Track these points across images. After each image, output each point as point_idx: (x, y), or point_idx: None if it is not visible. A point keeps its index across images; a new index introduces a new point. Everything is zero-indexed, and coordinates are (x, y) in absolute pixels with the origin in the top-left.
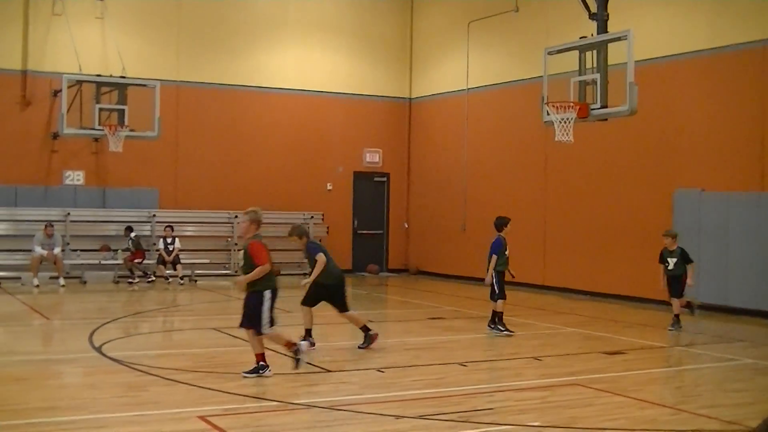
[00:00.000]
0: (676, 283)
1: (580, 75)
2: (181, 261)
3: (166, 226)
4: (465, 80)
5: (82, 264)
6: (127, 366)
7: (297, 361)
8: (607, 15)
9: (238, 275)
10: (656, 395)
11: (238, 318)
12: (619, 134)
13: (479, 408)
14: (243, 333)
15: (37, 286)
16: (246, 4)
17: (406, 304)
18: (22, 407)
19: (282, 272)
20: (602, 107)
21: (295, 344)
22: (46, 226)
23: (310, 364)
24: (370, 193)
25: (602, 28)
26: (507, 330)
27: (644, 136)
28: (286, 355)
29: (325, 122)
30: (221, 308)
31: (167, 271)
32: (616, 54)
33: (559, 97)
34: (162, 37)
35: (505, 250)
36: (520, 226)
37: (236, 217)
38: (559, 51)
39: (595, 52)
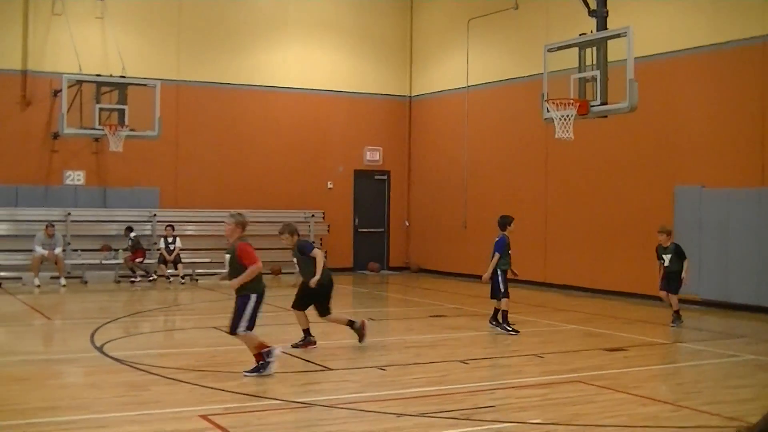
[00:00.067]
0: (672, 279)
1: (580, 72)
2: (182, 260)
3: (167, 226)
4: (465, 78)
5: (83, 264)
6: (128, 365)
7: (268, 363)
8: (607, 12)
9: (223, 277)
10: (657, 392)
11: None
12: (619, 131)
13: (481, 405)
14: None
15: (38, 286)
16: (246, 3)
17: (407, 302)
18: (24, 407)
19: (282, 271)
20: (602, 104)
21: (267, 347)
22: (47, 226)
23: (310, 362)
24: (371, 191)
25: (602, 25)
26: (512, 329)
27: (644, 133)
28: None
29: (325, 121)
30: (222, 307)
31: (168, 271)
32: (616, 51)
33: (559, 94)
34: (162, 37)
35: (509, 249)
36: (521, 224)
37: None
38: (559, 48)
39: (594, 49)
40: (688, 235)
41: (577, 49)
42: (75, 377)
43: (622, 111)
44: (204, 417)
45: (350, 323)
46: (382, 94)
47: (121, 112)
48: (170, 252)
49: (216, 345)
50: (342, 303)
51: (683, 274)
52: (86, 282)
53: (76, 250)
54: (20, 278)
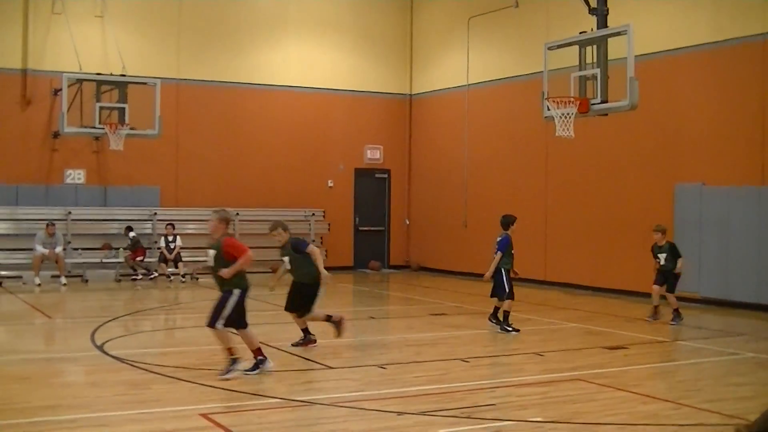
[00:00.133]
0: (669, 278)
1: (580, 70)
2: (183, 259)
3: (168, 224)
4: (465, 76)
5: (83, 263)
6: (129, 364)
7: (229, 371)
8: (607, 10)
9: (202, 269)
10: (658, 390)
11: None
12: (619, 129)
13: (481, 404)
14: (236, 335)
15: (39, 284)
16: (246, 1)
17: (407, 301)
18: (25, 406)
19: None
20: (602, 102)
21: (235, 356)
22: (47, 225)
23: (311, 361)
24: (371, 189)
25: (602, 23)
26: (513, 328)
27: (645, 131)
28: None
29: (325, 119)
30: None
31: (169, 269)
32: (616, 49)
33: (560, 92)
34: (162, 35)
35: (512, 248)
36: (521, 222)
37: (237, 214)
38: (559, 46)
39: (595, 47)
40: (689, 233)
41: (577, 47)
42: (76, 376)
43: (623, 109)
44: (204, 415)
45: (328, 318)
46: (382, 93)
47: (122, 111)
48: (171, 251)
49: (217, 343)
50: (343, 302)
51: (676, 270)
52: (87, 281)
53: (76, 249)
54: (21, 277)
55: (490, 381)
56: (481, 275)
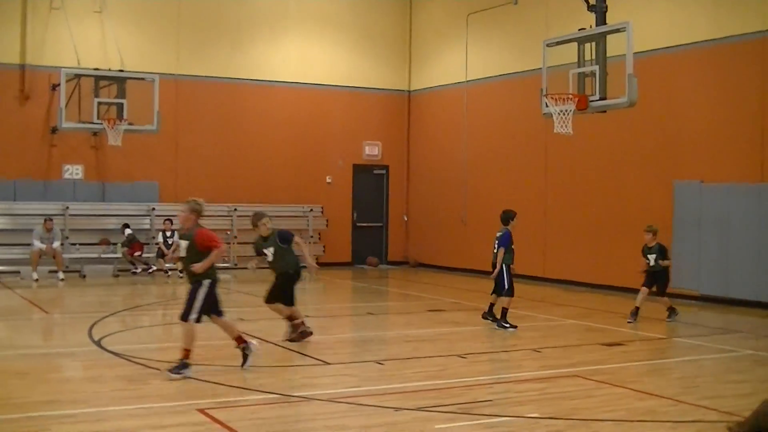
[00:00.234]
0: (658, 279)
1: (579, 67)
2: (182, 255)
3: (165, 220)
4: (464, 73)
5: (81, 258)
6: (126, 359)
7: (177, 371)
8: (606, 7)
9: (173, 258)
10: (655, 386)
11: (236, 311)
12: (618, 126)
13: (479, 400)
14: (213, 325)
15: (37, 280)
16: None
17: (406, 297)
18: (23, 401)
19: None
20: (601, 99)
21: (187, 359)
22: (45, 220)
23: (308, 356)
24: (370, 185)
25: (601, 20)
26: (510, 325)
27: (644, 128)
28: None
29: (324, 115)
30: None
31: (167, 265)
32: (615, 46)
33: (559, 89)
34: (161, 31)
35: (512, 244)
36: (520, 218)
37: (235, 210)
38: (558, 43)
39: (594, 44)
40: (688, 231)
41: (576, 44)
42: (74, 371)
43: (622, 106)
44: (201, 411)
45: (291, 319)
46: (381, 89)
47: (120, 107)
48: (168, 246)
49: (214, 339)
50: (341, 298)
51: (662, 264)
52: (84, 276)
53: (74, 245)
54: (18, 272)
55: (488, 377)
56: (480, 272)
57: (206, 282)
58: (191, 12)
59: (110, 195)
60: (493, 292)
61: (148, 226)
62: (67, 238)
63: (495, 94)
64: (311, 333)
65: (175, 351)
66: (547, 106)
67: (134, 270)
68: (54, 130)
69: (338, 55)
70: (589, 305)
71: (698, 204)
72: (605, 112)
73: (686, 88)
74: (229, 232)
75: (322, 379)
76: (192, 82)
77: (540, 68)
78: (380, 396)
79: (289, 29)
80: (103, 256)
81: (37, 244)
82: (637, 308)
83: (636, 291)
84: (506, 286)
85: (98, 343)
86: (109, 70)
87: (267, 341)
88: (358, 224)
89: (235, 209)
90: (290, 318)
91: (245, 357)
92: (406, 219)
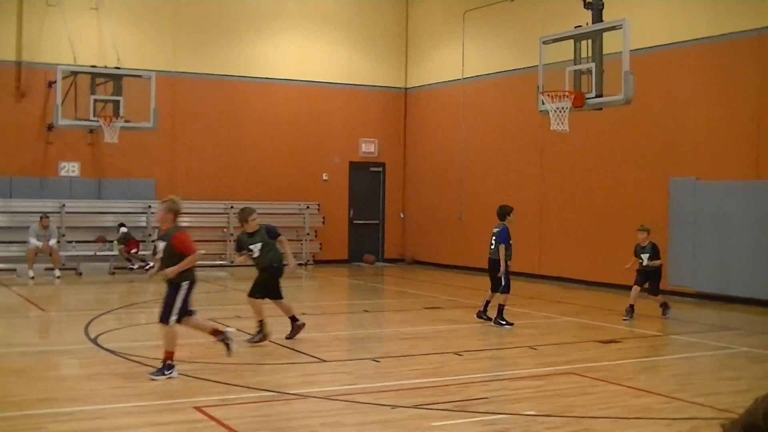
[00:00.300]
0: (650, 278)
1: (575, 64)
2: None
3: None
4: (461, 70)
5: (77, 255)
6: (123, 357)
7: (161, 373)
8: (602, 4)
9: (153, 274)
10: (651, 383)
11: (233, 309)
12: (615, 123)
13: (475, 397)
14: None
15: (33, 277)
16: None
17: (402, 294)
18: (20, 399)
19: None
20: (597, 96)
21: (173, 359)
22: (41, 217)
23: (304, 354)
24: (366, 183)
25: (597, 18)
26: (507, 322)
27: (640, 125)
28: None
29: (320, 112)
30: (217, 299)
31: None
32: (612, 43)
33: (556, 86)
34: (158, 28)
35: (510, 239)
36: (517, 215)
37: (231, 207)
38: (555, 40)
39: (590, 41)
40: (683, 228)
41: (572, 41)
42: (71, 369)
43: (618, 103)
44: (198, 408)
45: (261, 323)
46: (377, 86)
47: (116, 104)
48: None
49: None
50: (337, 295)
51: (652, 263)
52: (81, 273)
53: (70, 242)
54: (15, 270)
55: (484, 374)
56: (477, 269)
57: (184, 284)
58: (188, 9)
59: (107, 192)
60: (493, 290)
61: (144, 224)
62: (63, 235)
63: (492, 91)
64: (304, 325)
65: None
66: (543, 103)
67: (131, 267)
68: (50, 127)
69: (335, 52)
70: (585, 302)
71: (694, 201)
72: (601, 109)
73: (682, 85)
74: (225, 230)
75: (318, 377)
76: (189, 79)
77: (537, 65)
78: (376, 393)
79: (286, 27)
80: (99, 253)
81: (34, 242)
82: (632, 306)
83: (631, 288)
84: (503, 283)
85: (95, 341)
86: (106, 67)
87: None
88: (355, 221)
89: (232, 206)
90: (260, 322)
91: (227, 346)
92: (402, 216)
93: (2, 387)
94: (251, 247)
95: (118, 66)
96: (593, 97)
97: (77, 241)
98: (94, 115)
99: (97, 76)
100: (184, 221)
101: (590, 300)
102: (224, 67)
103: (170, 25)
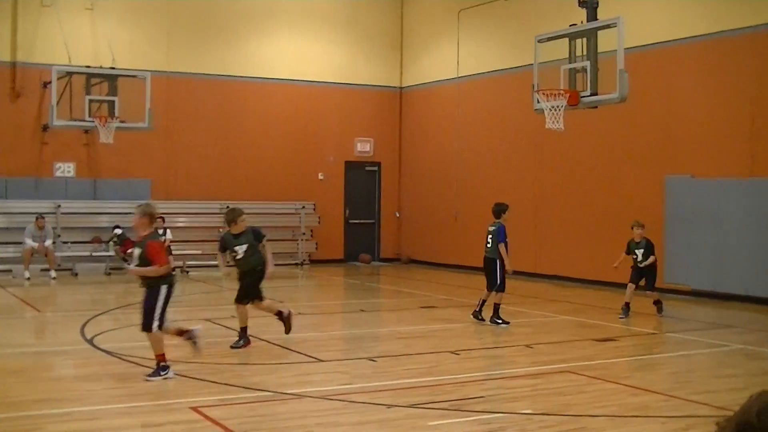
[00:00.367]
0: (646, 275)
1: (570, 63)
2: (173, 252)
3: (158, 217)
4: (456, 69)
5: (73, 256)
6: (119, 358)
7: (155, 375)
8: (597, 2)
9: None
10: (648, 381)
11: (230, 310)
12: (611, 121)
13: (471, 396)
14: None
15: (29, 278)
16: None
17: (398, 293)
18: (17, 399)
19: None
20: (592, 95)
21: (165, 360)
22: (37, 218)
23: (301, 353)
24: (362, 182)
25: (592, 16)
26: (503, 321)
27: (635, 123)
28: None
29: (316, 112)
30: (214, 299)
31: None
32: (607, 41)
33: (550, 85)
34: (153, 28)
35: (506, 237)
36: (513, 214)
37: (227, 207)
38: (549, 39)
39: (585, 39)
40: (679, 226)
41: (567, 39)
42: (67, 370)
43: (613, 102)
44: (194, 409)
45: (244, 329)
46: (373, 85)
47: (112, 104)
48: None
49: (207, 337)
50: (333, 295)
51: (647, 262)
52: (77, 274)
53: (66, 243)
54: (10, 271)
55: (480, 373)
56: (473, 268)
57: (163, 288)
58: (183, 9)
59: (102, 192)
60: (490, 289)
61: None
62: (59, 236)
63: (487, 90)
64: (291, 312)
65: (168, 349)
66: (538, 102)
67: (127, 265)
68: (45, 128)
69: (330, 51)
70: (581, 301)
71: (689, 199)
72: (596, 107)
73: (678, 83)
74: (221, 230)
75: (315, 377)
76: (184, 79)
77: (532, 64)
78: (372, 393)
79: (281, 26)
80: (95, 254)
81: (29, 243)
82: (627, 303)
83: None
84: (498, 282)
85: (91, 342)
86: (101, 67)
87: (259, 339)
88: (351, 221)
89: (227, 206)
90: (243, 328)
91: (194, 344)
92: (398, 215)
93: None
94: (236, 248)
95: (113, 66)
96: (588, 96)
97: (73, 242)
98: (90, 116)
99: (92, 77)
100: (180, 221)
101: (586, 298)
102: (219, 67)
103: (165, 25)
